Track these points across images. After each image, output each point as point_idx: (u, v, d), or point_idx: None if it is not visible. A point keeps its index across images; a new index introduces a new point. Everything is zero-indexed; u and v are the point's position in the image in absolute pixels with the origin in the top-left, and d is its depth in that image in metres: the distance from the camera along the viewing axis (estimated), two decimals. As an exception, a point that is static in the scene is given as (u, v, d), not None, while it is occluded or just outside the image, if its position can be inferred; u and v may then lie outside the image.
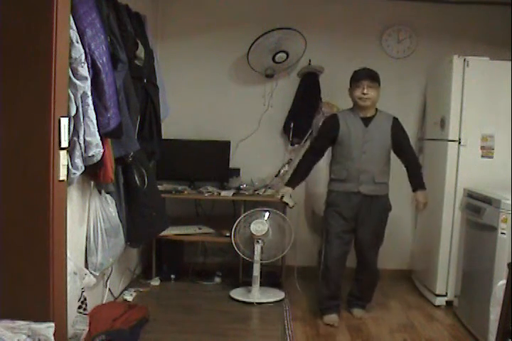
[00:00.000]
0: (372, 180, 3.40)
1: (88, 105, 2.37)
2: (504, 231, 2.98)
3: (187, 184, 4.29)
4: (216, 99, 4.47)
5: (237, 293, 3.82)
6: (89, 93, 2.36)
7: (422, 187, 3.52)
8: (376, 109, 3.46)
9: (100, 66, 2.45)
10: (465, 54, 3.65)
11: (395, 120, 3.47)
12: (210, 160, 4.35)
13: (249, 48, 4.17)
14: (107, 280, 3.35)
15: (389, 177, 3.51)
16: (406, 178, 4.44)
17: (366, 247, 3.50)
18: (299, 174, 3.61)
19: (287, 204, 3.96)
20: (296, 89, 4.41)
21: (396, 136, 3.44)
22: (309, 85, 4.36)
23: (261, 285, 3.82)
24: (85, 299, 2.63)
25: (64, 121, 2.06)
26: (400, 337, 3.23)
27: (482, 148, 3.64)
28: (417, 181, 3.54)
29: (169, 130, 4.09)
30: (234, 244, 3.85)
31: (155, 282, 4.07)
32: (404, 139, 3.49)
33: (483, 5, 4.27)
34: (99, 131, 2.47)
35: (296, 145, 4.40)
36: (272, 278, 4.08)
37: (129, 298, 3.65)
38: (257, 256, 3.78)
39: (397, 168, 4.42)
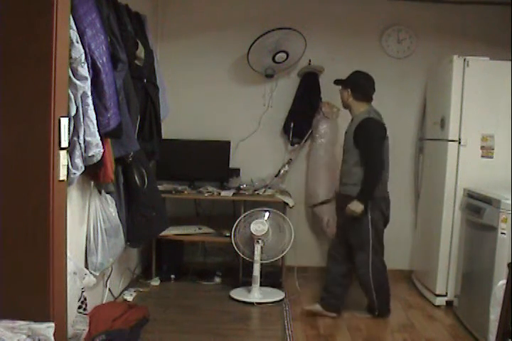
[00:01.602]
0: (341, 179, 3.53)
1: (88, 105, 2.38)
2: (504, 231, 2.98)
3: (187, 184, 4.29)
4: (216, 99, 4.47)
5: (237, 293, 3.82)
6: (89, 93, 2.36)
7: (358, 198, 3.32)
8: (361, 111, 3.43)
9: (100, 66, 2.45)
10: (465, 54, 3.64)
11: (362, 120, 3.35)
12: (210, 160, 4.35)
13: (249, 48, 4.17)
14: (107, 280, 3.35)
15: (358, 178, 3.36)
16: (405, 179, 4.47)
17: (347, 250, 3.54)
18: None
19: (287, 204, 3.98)
20: (296, 89, 4.41)
21: (356, 137, 3.36)
22: (309, 85, 4.36)
23: (261, 285, 3.82)
24: (85, 299, 2.63)
25: (64, 121, 2.07)
26: (400, 337, 3.23)
27: (482, 148, 3.64)
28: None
29: (169, 130, 4.09)
30: (234, 244, 3.85)
31: (155, 282, 4.06)
32: (360, 138, 3.34)
33: (483, 5, 4.27)
34: (99, 131, 2.48)
35: (296, 145, 4.40)
36: (272, 278, 4.08)
37: (129, 298, 3.65)
38: (257, 256, 3.78)
39: (397, 169, 4.44)
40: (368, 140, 3.34)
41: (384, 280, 3.52)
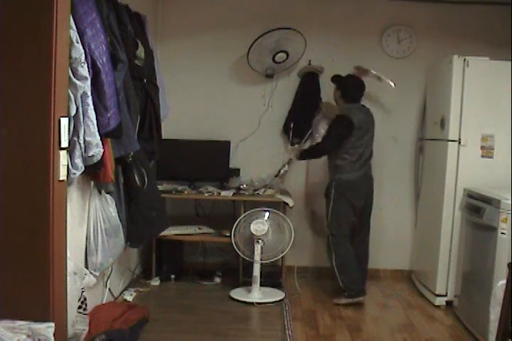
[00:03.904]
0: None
1: (88, 105, 2.37)
2: (504, 231, 2.98)
3: (187, 184, 4.29)
4: (216, 99, 4.47)
5: (237, 293, 3.82)
6: (89, 93, 2.36)
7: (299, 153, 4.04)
8: (342, 109, 3.86)
9: (100, 66, 2.45)
10: (465, 54, 3.64)
11: (335, 116, 3.85)
12: (210, 160, 4.35)
13: (249, 48, 4.17)
14: (107, 280, 3.35)
15: (330, 164, 3.89)
16: (406, 178, 4.48)
17: None
18: None
19: (287, 204, 3.98)
20: (296, 89, 4.41)
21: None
22: (309, 85, 4.36)
23: (261, 285, 3.82)
24: (85, 299, 2.63)
25: (64, 121, 2.07)
26: (400, 337, 3.22)
27: (482, 148, 3.64)
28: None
29: (169, 130, 4.09)
30: (234, 244, 3.85)
31: (155, 282, 4.06)
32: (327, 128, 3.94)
33: (483, 5, 4.26)
34: (99, 131, 2.47)
35: (296, 146, 4.40)
36: (272, 278, 4.08)
37: (129, 298, 3.65)
38: (257, 256, 3.78)
39: (397, 169, 4.44)
40: (328, 129, 3.84)
41: (347, 262, 3.75)
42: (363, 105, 3.87)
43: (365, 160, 3.80)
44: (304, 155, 4.01)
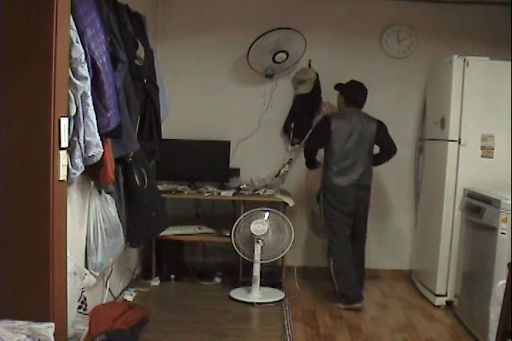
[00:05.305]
0: None
1: (88, 105, 2.37)
2: (504, 231, 2.98)
3: (187, 184, 4.29)
4: (216, 99, 4.47)
5: (237, 293, 3.82)
6: (89, 93, 2.36)
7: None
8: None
9: (100, 66, 2.45)
10: (465, 54, 3.64)
11: None
12: (210, 160, 4.35)
13: (249, 48, 4.18)
14: (107, 280, 3.35)
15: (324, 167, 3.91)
16: (405, 179, 4.47)
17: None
18: None
19: (287, 204, 3.98)
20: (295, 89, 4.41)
21: None
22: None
23: (261, 285, 3.82)
24: (85, 299, 2.63)
25: (64, 121, 2.07)
26: (400, 337, 3.22)
27: (482, 148, 3.64)
28: None
29: (169, 130, 4.09)
30: (234, 244, 3.85)
31: (155, 282, 4.06)
32: None
33: (483, 5, 4.27)
34: (99, 131, 2.47)
35: (296, 146, 4.40)
36: (272, 278, 4.08)
37: (129, 298, 3.65)
38: (257, 256, 3.78)
39: (397, 169, 4.44)
40: None
41: (344, 267, 3.71)
42: (366, 114, 3.80)
43: (357, 168, 3.72)
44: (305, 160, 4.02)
